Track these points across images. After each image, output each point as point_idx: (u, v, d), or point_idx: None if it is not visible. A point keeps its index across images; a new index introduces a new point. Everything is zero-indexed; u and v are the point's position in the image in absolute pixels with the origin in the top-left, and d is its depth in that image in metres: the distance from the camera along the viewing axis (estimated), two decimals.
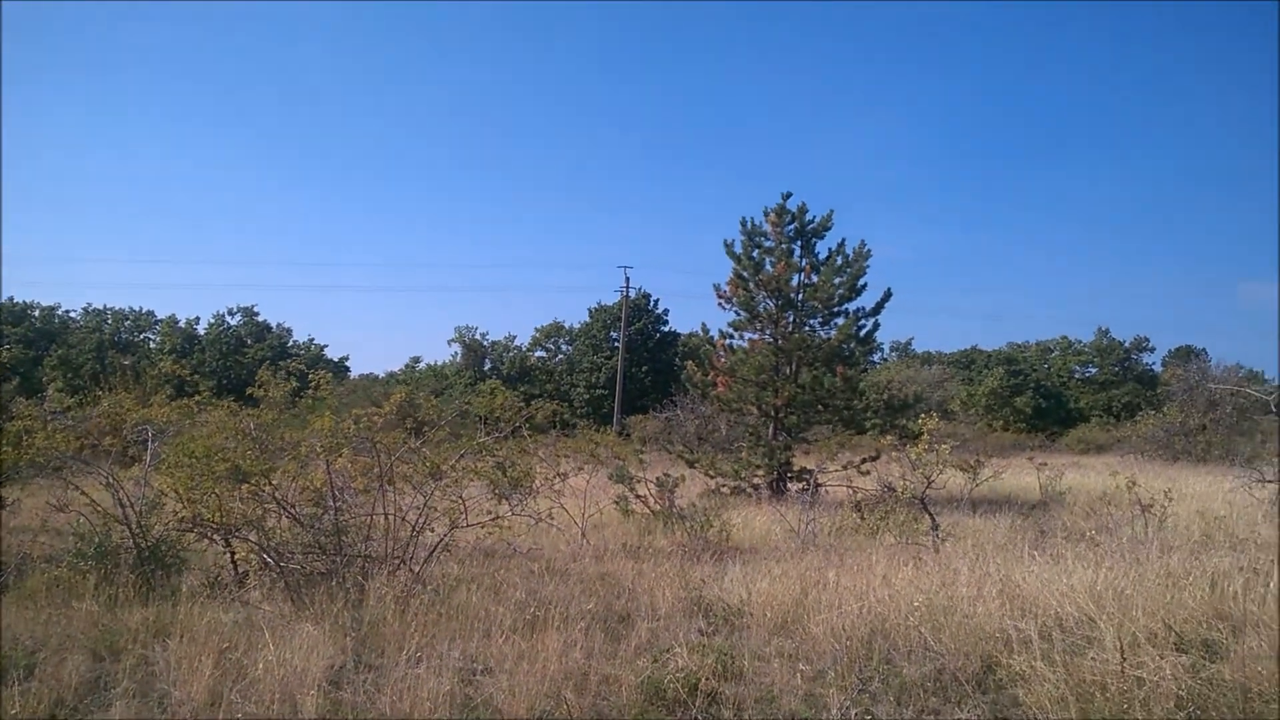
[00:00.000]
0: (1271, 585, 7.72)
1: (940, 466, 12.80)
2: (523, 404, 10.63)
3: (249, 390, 9.96)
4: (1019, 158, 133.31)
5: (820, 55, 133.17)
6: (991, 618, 6.87)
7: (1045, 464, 20.21)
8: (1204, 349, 63.99)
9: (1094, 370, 69.39)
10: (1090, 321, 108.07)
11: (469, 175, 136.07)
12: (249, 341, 62.61)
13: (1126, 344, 69.11)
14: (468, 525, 8.80)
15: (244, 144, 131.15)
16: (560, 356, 65.44)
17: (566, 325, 65.23)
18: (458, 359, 65.95)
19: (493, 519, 8.95)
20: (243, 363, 57.48)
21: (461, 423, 11.36)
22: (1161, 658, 5.93)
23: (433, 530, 8.78)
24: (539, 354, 66.35)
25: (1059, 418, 60.88)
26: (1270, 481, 12.45)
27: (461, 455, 9.12)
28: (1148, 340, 69.32)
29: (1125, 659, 5.79)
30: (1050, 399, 64.77)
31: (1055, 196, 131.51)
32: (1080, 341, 71.32)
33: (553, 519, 9.70)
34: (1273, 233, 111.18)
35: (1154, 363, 68.31)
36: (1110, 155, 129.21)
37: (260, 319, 64.35)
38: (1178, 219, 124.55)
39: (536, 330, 66.17)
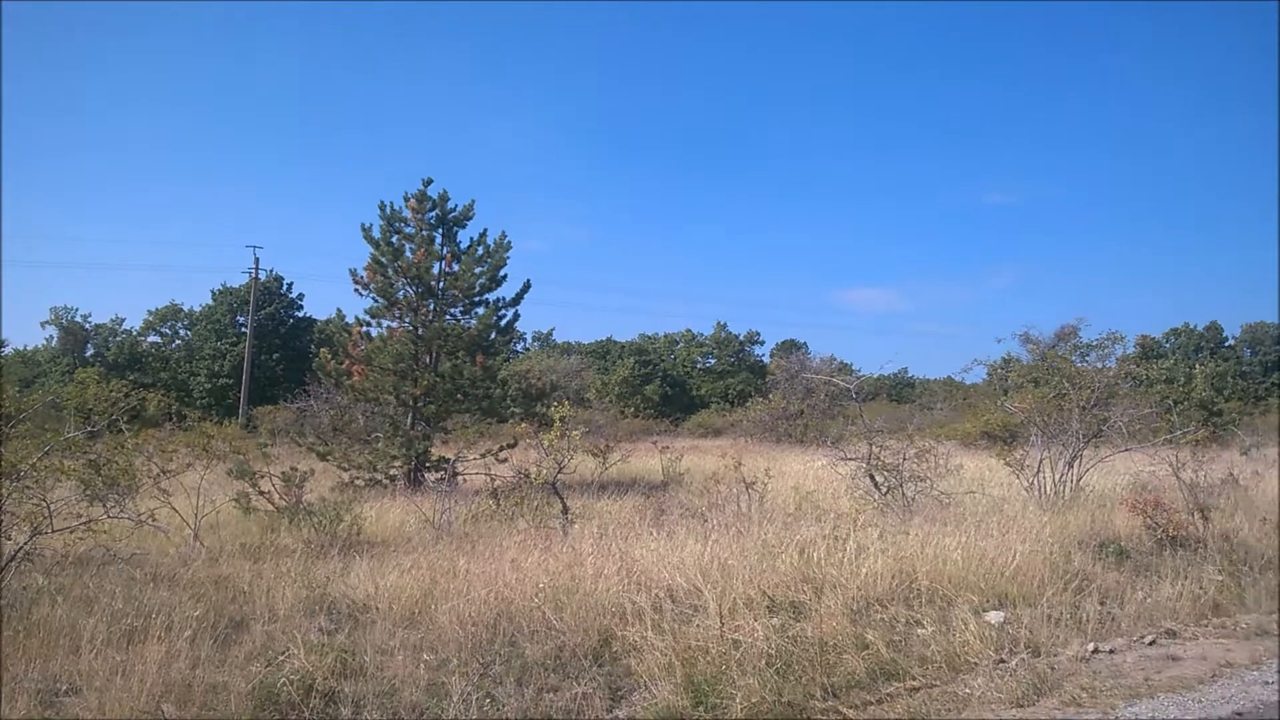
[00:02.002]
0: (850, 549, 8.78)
1: (572, 452, 13.29)
2: (125, 394, 9.59)
3: None
4: (650, 162, 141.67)
5: (464, 52, 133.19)
6: (610, 593, 7.24)
7: (668, 447, 21.60)
8: (805, 343, 71.80)
9: (713, 361, 75.32)
10: (711, 316, 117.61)
11: (76, 143, 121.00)
12: None
13: (741, 337, 75.77)
14: (54, 531, 7.83)
15: None
16: (178, 342, 59.65)
17: (186, 308, 59.50)
18: (53, 343, 58.19)
19: (85, 523, 8.03)
20: None
21: (54, 416, 10.06)
22: (756, 620, 6.57)
23: (10, 538, 7.71)
24: (152, 339, 59.97)
25: (683, 404, 65.45)
26: (851, 459, 14.11)
27: (46, 452, 8.07)
28: (759, 334, 76.59)
29: (724, 624, 6.35)
30: (676, 387, 69.48)
31: (683, 200, 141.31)
32: (702, 334, 77.13)
33: (156, 520, 8.88)
34: (867, 248, 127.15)
35: (764, 354, 75.53)
36: (729, 164, 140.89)
37: None
38: (789, 228, 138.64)
39: (150, 313, 59.59)
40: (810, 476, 17.87)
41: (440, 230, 19.59)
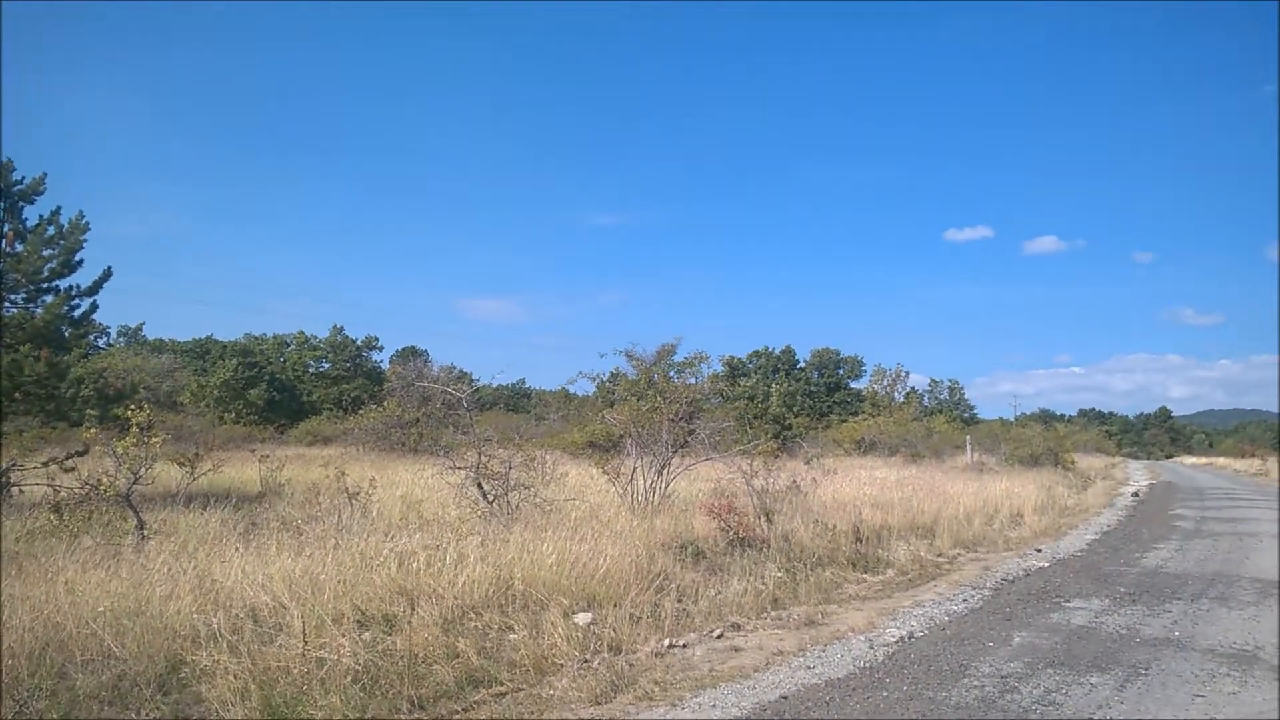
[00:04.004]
0: (450, 558, 8.76)
1: (152, 461, 12.12)
2: None
3: None
4: (269, 153, 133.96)
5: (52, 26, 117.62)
6: (183, 615, 6.65)
7: (268, 456, 20.41)
8: (426, 350, 71.22)
9: (328, 365, 72.45)
10: (328, 318, 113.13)
11: None
12: None
13: (359, 342, 73.55)
14: None
15: None
16: None
17: None
18: None
19: None
20: None
21: None
22: (344, 636, 6.35)
23: None
24: None
25: (292, 411, 62.28)
26: (460, 468, 14.13)
27: None
28: (378, 339, 74.81)
29: (309, 642, 6.08)
30: (284, 392, 65.93)
31: (308, 197, 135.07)
32: (316, 337, 73.93)
33: None
34: (491, 261, 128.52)
35: (382, 360, 73.91)
36: (356, 165, 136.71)
37: None
38: (415, 233, 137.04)
39: None
40: (421, 486, 17.73)
41: (2, 205, 17.03)
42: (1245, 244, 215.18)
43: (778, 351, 74.43)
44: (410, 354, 68.57)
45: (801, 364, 75.44)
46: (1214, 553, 14.84)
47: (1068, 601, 10.44)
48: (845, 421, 55.91)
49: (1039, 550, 14.96)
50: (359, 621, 6.91)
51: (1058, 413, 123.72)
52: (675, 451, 16.42)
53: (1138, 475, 47.42)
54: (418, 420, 37.28)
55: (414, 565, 8.44)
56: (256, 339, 72.35)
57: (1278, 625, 9.02)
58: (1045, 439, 43.24)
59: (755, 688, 6.66)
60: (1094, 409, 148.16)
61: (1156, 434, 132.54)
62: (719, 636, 8.24)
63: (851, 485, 21.50)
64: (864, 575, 11.94)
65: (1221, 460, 75.43)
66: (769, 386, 68.75)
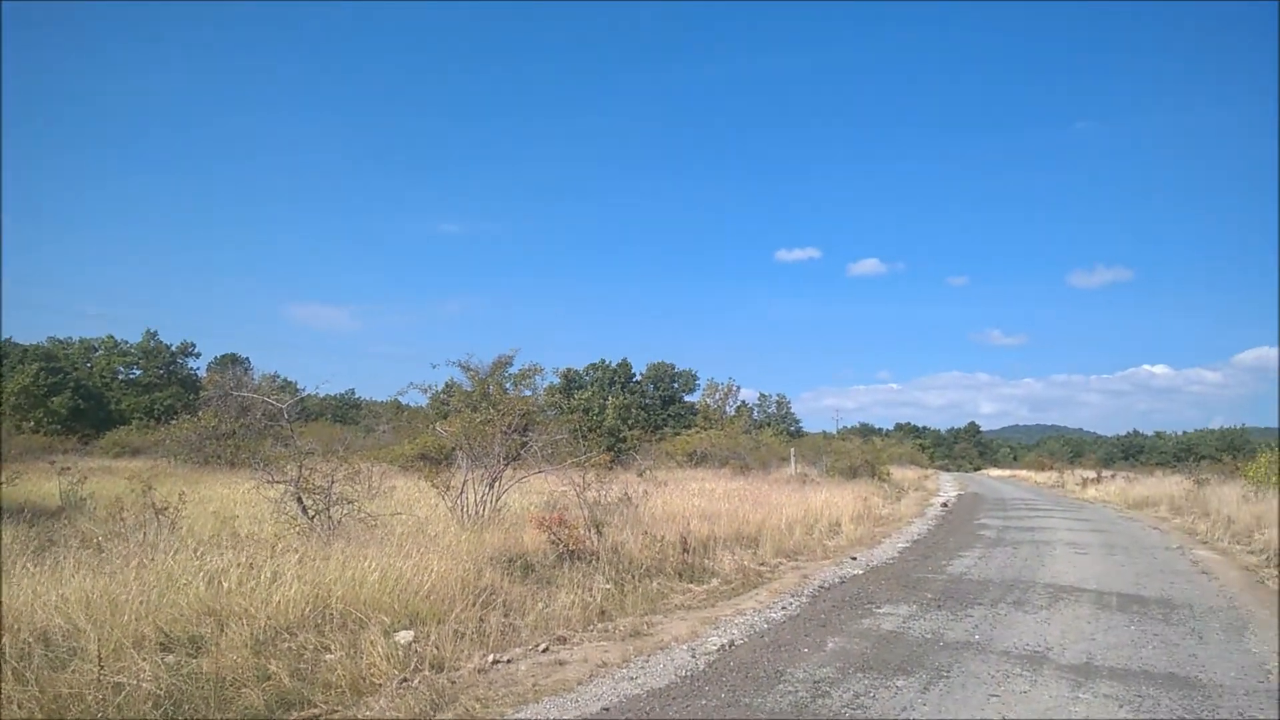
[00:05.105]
0: (265, 577, 8.40)
1: None
2: None
3: None
4: (85, 151, 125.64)
5: None
6: None
7: (69, 468, 19.06)
8: (248, 358, 68.13)
9: (139, 372, 68.33)
10: (140, 323, 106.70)
11: None
12: None
13: (174, 348, 69.72)
14: None
15: None
16: None
17: None
18: None
19: None
20: None
21: None
22: (144, 660, 6.00)
23: None
24: None
25: (99, 420, 58.40)
26: (279, 482, 13.58)
27: None
28: (194, 346, 71.08)
29: (104, 667, 5.72)
30: (91, 400, 61.75)
31: (105, 196, 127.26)
32: (127, 342, 69.61)
33: None
34: (322, 265, 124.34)
35: (199, 368, 70.25)
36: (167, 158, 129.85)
37: None
38: (236, 235, 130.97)
39: None
40: (237, 501, 16.96)
41: None
42: (1047, 271, 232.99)
43: (614, 365, 75.01)
44: (230, 361, 65.56)
45: (638, 377, 76.27)
46: (1013, 560, 15.87)
47: (879, 608, 10.94)
48: (679, 434, 56.84)
49: (854, 558, 15.61)
50: (162, 644, 6.55)
51: (876, 426, 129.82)
52: (508, 464, 16.32)
53: (948, 487, 50.15)
54: (235, 432, 35.64)
55: (224, 584, 8.06)
56: (61, 343, 67.51)
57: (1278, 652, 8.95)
58: (864, 452, 45.26)
59: (578, 700, 6.69)
60: (910, 423, 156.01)
61: (966, 448, 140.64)
62: (545, 650, 8.22)
63: (682, 497, 21.86)
64: (690, 585, 12.15)
65: (1024, 473, 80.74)
66: (605, 399, 69.16)
